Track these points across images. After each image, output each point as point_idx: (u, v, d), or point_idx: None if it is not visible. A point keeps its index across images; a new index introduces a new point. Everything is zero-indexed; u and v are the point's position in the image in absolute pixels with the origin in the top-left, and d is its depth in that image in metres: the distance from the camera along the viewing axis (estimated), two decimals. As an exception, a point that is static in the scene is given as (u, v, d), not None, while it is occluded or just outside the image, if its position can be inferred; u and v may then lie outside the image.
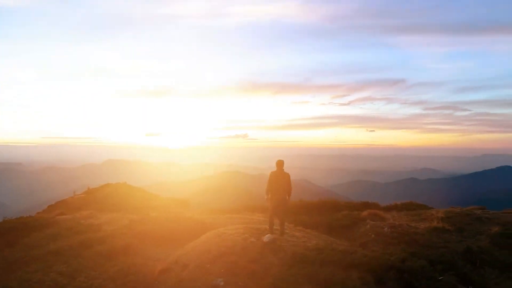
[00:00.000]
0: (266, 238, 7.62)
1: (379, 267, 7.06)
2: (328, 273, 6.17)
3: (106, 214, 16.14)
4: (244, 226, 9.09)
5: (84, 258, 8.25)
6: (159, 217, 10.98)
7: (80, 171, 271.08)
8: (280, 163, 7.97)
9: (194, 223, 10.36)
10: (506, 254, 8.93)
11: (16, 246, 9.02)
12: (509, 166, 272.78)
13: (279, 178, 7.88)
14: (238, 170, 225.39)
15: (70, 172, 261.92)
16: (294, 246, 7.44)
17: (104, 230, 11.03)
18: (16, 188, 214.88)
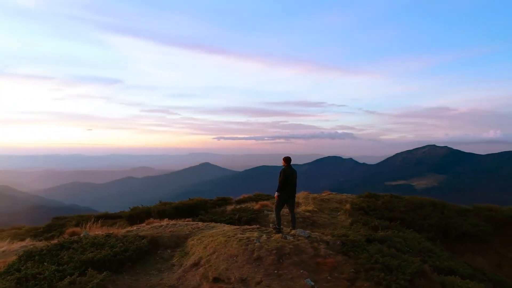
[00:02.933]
0: (302, 232, 7.54)
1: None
2: (388, 253, 7.20)
3: None
4: (242, 228, 8.29)
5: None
6: (91, 240, 7.67)
7: None
8: (289, 159, 8.07)
9: (144, 240, 8.07)
10: (381, 221, 12.59)
11: None
12: (208, 163, 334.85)
13: (292, 174, 7.97)
14: None
15: None
16: (320, 236, 7.80)
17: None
18: None
